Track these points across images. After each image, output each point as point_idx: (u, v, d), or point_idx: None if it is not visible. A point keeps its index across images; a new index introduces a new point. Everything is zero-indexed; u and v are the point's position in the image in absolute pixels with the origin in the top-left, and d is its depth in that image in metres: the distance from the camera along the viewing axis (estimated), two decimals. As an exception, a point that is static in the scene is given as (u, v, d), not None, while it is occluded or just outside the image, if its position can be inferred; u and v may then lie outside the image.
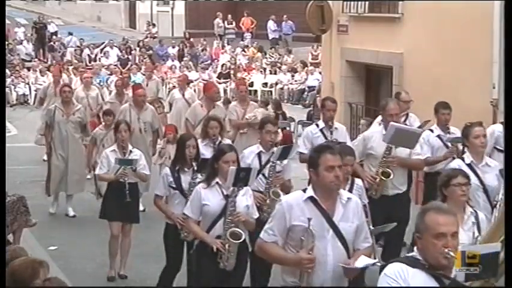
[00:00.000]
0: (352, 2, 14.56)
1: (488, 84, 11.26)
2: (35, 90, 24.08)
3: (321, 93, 17.05)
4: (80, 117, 12.34)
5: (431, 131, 9.74)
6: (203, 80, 28.00)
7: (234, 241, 6.58)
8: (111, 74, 27.26)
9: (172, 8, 37.54)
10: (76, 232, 11.32)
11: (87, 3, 43.23)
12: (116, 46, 31.13)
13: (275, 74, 27.83)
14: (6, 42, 29.02)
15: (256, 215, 6.98)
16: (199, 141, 8.87)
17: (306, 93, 25.71)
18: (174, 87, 23.19)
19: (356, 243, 5.43)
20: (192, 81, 27.74)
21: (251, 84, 27.35)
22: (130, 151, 9.40)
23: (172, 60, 29.69)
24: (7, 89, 23.90)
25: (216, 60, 30.26)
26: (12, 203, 9.04)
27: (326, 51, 15.94)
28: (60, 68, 18.38)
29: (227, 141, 9.62)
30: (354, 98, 15.03)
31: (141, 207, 11.40)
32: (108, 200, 9.41)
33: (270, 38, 32.27)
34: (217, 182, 6.80)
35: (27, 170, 15.34)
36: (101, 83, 24.37)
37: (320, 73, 21.11)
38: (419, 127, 10.01)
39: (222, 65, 29.09)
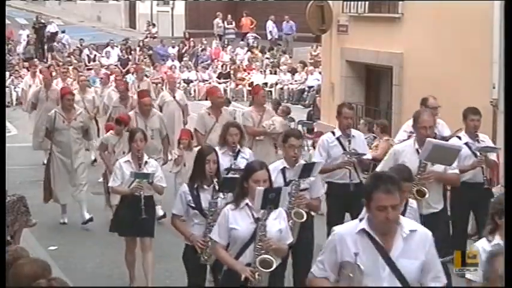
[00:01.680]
0: (352, 2, 14.57)
1: (488, 84, 11.27)
2: (15, 91, 23.99)
3: (321, 93, 17.08)
4: (82, 122, 11.90)
5: (459, 138, 9.16)
6: (203, 80, 28.05)
7: (265, 270, 5.95)
8: (111, 74, 27.25)
9: (172, 8, 37.52)
10: (76, 232, 11.32)
11: (87, 3, 43.22)
12: (116, 46, 31.13)
13: (275, 74, 27.83)
14: (7, 42, 29.02)
15: (290, 239, 6.32)
16: (217, 149, 8.30)
17: (306, 93, 25.70)
18: (161, 89, 23.30)
19: (423, 282, 4.77)
20: (191, 81, 27.79)
21: (251, 84, 27.36)
22: (146, 162, 8.78)
23: (172, 60, 29.68)
24: (7, 89, 23.88)
25: (216, 60, 30.24)
26: (12, 203, 9.01)
27: (326, 51, 15.96)
28: (50, 70, 18.14)
29: (247, 149, 9.22)
30: (354, 98, 15.03)
31: (161, 212, 11.32)
32: (120, 214, 8.88)
33: (269, 38, 32.25)
34: (246, 204, 6.12)
35: (27, 170, 15.33)
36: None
37: (320, 73, 21.10)
38: (451, 136, 9.50)
39: (222, 65, 29.09)
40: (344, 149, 9.00)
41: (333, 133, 9.23)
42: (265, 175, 6.15)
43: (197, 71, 28.46)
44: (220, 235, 6.16)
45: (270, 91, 26.86)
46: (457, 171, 8.20)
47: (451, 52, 12.20)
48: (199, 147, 7.75)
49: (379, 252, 4.67)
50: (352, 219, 8.49)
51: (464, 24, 11.89)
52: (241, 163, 8.82)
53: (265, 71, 27.94)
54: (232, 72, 28.28)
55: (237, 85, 27.66)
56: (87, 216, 11.59)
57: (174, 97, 14.93)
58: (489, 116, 11.28)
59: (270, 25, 32.34)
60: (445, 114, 12.15)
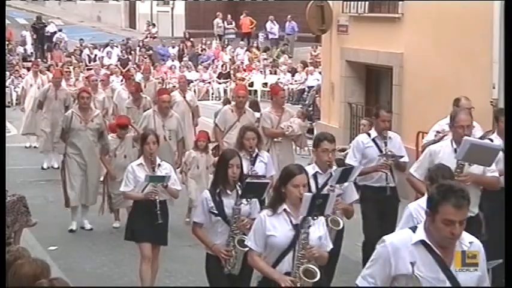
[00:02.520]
0: (352, 2, 14.56)
1: (488, 84, 11.26)
2: (15, 90, 23.73)
3: (321, 93, 17.08)
4: (99, 124, 11.53)
5: (491, 140, 8.57)
6: (203, 80, 28.05)
7: (309, 280, 5.63)
8: (111, 74, 27.27)
9: (172, 8, 37.53)
10: (76, 232, 11.32)
11: (87, 3, 43.23)
12: (116, 46, 31.15)
13: (275, 74, 27.84)
14: (7, 42, 29.02)
15: (330, 246, 6.01)
16: None
17: (306, 93, 25.71)
18: (172, 89, 23.12)
19: None
20: (191, 81, 27.79)
21: (251, 84, 27.38)
22: (159, 164, 8.46)
23: (173, 60, 29.70)
24: (7, 89, 23.87)
25: (216, 60, 30.25)
26: (12, 203, 9.01)
27: (326, 51, 15.94)
28: (61, 70, 18.00)
29: (265, 153, 9.05)
30: (354, 98, 15.03)
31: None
32: (135, 220, 8.49)
33: (269, 38, 32.27)
34: (284, 209, 5.79)
35: (27, 170, 15.33)
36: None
37: (320, 73, 21.10)
38: (481, 137, 9.03)
39: (222, 65, 29.10)
40: (380, 150, 8.73)
41: (369, 134, 8.99)
42: (304, 179, 5.83)
43: (197, 71, 28.47)
44: (257, 242, 5.83)
45: (270, 90, 26.86)
46: (497, 174, 7.72)
47: (451, 52, 12.19)
48: (221, 153, 7.36)
49: (439, 266, 4.37)
50: (386, 225, 8.28)
51: (464, 24, 11.88)
52: (259, 168, 8.77)
53: (265, 71, 27.95)
54: (232, 72, 28.28)
55: (237, 85, 27.64)
56: (87, 226, 11.44)
57: (184, 97, 14.72)
58: (489, 116, 11.27)
59: (269, 25, 32.36)
60: (445, 115, 12.16)
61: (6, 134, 16.20)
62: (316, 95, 20.90)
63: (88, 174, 11.46)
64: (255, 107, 18.79)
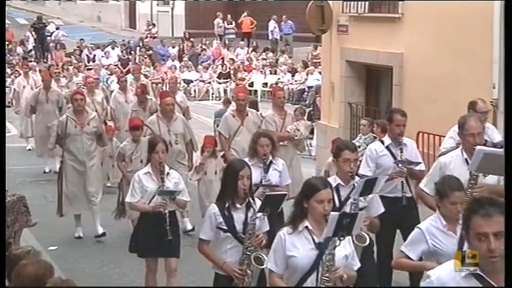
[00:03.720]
0: (352, 2, 14.55)
1: (488, 84, 11.26)
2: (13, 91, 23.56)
3: (321, 93, 17.07)
4: (95, 127, 11.13)
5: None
6: (203, 80, 28.06)
7: None
8: (111, 74, 27.30)
9: (172, 8, 37.54)
10: (75, 232, 11.31)
11: (87, 3, 43.23)
12: (116, 46, 31.16)
13: (275, 74, 27.84)
14: (7, 43, 29.05)
15: (357, 265, 5.53)
16: (246, 160, 7.76)
17: (306, 93, 25.71)
18: (161, 89, 23.06)
19: None
20: (191, 81, 27.80)
21: (251, 84, 27.39)
22: (168, 173, 7.95)
23: (173, 60, 29.70)
24: (7, 89, 23.85)
25: (216, 60, 30.26)
26: (12, 203, 9.00)
27: (326, 51, 15.94)
28: (50, 72, 17.77)
29: (279, 161, 8.50)
30: (354, 98, 15.02)
31: (189, 226, 10.97)
32: (141, 233, 8.00)
33: (270, 38, 32.27)
34: (306, 227, 5.33)
35: (27, 170, 15.34)
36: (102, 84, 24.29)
37: (320, 73, 21.11)
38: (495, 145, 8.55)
39: (222, 65, 29.10)
40: (395, 158, 8.21)
41: (382, 142, 8.43)
42: (329, 194, 5.37)
43: (197, 71, 28.47)
44: (277, 263, 5.38)
45: (270, 91, 26.86)
46: None
47: (451, 52, 12.19)
48: (229, 163, 6.90)
49: None
50: (404, 237, 7.64)
51: (464, 24, 11.87)
52: (273, 176, 8.32)
53: (265, 71, 27.95)
54: (232, 72, 28.28)
55: (237, 85, 27.64)
56: (100, 230, 10.98)
57: (174, 99, 14.31)
58: (489, 116, 11.28)
59: (272, 25, 32.35)
60: (445, 115, 12.16)
61: (6, 134, 16.18)
62: (316, 95, 20.90)
63: (86, 180, 11.03)
64: (254, 107, 18.82)
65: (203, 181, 11.02)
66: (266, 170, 8.23)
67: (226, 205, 6.25)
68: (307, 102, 24.59)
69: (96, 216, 11.04)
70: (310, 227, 5.32)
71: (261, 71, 28.06)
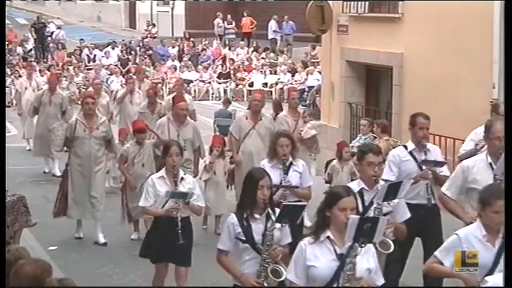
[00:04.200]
0: (352, 2, 14.56)
1: (488, 84, 11.26)
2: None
3: (321, 93, 17.08)
4: (105, 132, 10.80)
5: None
6: (203, 80, 28.05)
7: None
8: (111, 74, 27.31)
9: (172, 8, 37.54)
10: (75, 232, 11.31)
11: (87, 3, 43.23)
12: (116, 46, 31.15)
13: (275, 74, 27.84)
14: (7, 43, 29.04)
15: (380, 281, 5.31)
16: (265, 161, 7.81)
17: (306, 93, 25.71)
18: (161, 89, 22.93)
19: None
20: (191, 81, 27.79)
21: (251, 84, 27.40)
22: (182, 178, 7.74)
23: (173, 60, 29.71)
24: (7, 89, 23.85)
25: (216, 60, 30.27)
26: (12, 203, 9.00)
27: (326, 51, 15.94)
28: (56, 75, 17.63)
29: (300, 162, 8.17)
30: (354, 98, 15.03)
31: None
32: (154, 238, 7.83)
33: (270, 38, 32.27)
34: (328, 237, 5.14)
35: (27, 170, 15.33)
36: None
37: (320, 73, 21.12)
38: None
39: (222, 65, 29.10)
40: (419, 165, 7.84)
41: (405, 147, 8.06)
42: (353, 202, 5.18)
43: (197, 71, 28.47)
44: (297, 274, 5.20)
45: (270, 91, 26.89)
46: None
47: (451, 52, 12.20)
48: (248, 171, 6.63)
49: None
50: (425, 247, 7.55)
51: (464, 24, 11.88)
52: (293, 177, 8.03)
53: (265, 71, 27.95)
54: (232, 72, 28.28)
55: (237, 85, 27.67)
56: (101, 240, 10.74)
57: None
58: (489, 116, 11.27)
59: (273, 25, 32.34)
60: (445, 115, 12.17)
61: (6, 134, 16.18)
62: (316, 95, 20.91)
63: (92, 186, 10.74)
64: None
65: (212, 181, 11.02)
66: (286, 171, 7.96)
67: (245, 215, 6.04)
68: (307, 102, 24.60)
69: (98, 224, 10.83)
70: (332, 236, 5.12)
71: (261, 71, 28.05)
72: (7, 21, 30.81)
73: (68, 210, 10.78)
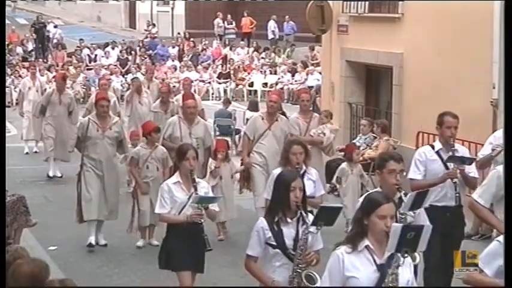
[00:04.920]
0: (352, 2, 14.56)
1: (488, 84, 11.26)
2: (15, 90, 22.60)
3: (321, 93, 17.07)
4: (117, 132, 10.58)
5: None
6: (203, 80, 28.04)
7: None
8: (111, 74, 27.29)
9: (172, 8, 37.56)
10: (76, 232, 11.31)
11: (87, 3, 43.23)
12: (116, 46, 31.15)
13: (275, 74, 27.83)
14: (7, 43, 29.03)
15: None
16: (278, 169, 7.44)
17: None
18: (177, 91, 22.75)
19: None
20: (192, 81, 27.78)
21: (251, 84, 27.40)
22: (197, 182, 7.42)
23: (173, 60, 29.71)
24: (7, 89, 23.85)
25: (216, 60, 30.27)
26: (12, 203, 9.02)
27: (326, 51, 15.94)
28: (64, 74, 17.40)
29: (313, 170, 7.95)
30: (354, 98, 15.03)
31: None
32: (173, 246, 7.34)
33: (270, 38, 32.27)
34: (366, 246, 4.87)
35: (27, 170, 15.33)
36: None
37: (320, 73, 21.11)
38: None
39: (222, 65, 29.11)
40: (446, 166, 7.55)
41: (432, 146, 7.82)
42: (392, 209, 4.92)
43: (197, 71, 28.47)
44: (333, 284, 4.94)
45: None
46: None
47: (451, 52, 12.19)
48: (279, 172, 6.45)
49: None
50: (444, 248, 7.08)
51: (464, 24, 11.88)
52: (307, 186, 7.44)
53: (265, 71, 27.95)
54: (232, 72, 28.28)
55: (237, 85, 27.67)
56: (102, 241, 10.58)
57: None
58: (489, 116, 11.28)
59: (272, 25, 32.34)
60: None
61: (6, 134, 16.17)
62: (316, 95, 20.89)
63: (106, 187, 10.48)
64: (255, 107, 18.84)
65: (219, 186, 10.70)
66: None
67: (276, 219, 5.80)
68: (307, 102, 24.57)
69: (100, 225, 10.61)
70: (371, 246, 4.86)
71: (261, 71, 28.04)
72: (8, 22, 30.83)
73: (84, 213, 10.44)
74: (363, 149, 12.98)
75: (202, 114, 13.56)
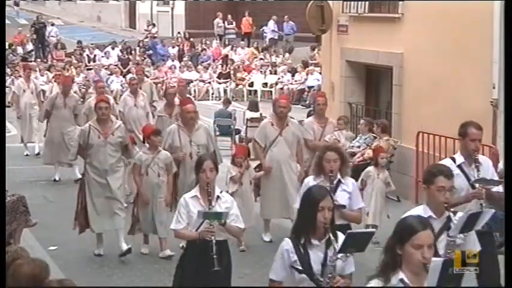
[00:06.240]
0: (352, 2, 14.56)
1: (488, 84, 11.26)
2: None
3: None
4: (121, 137, 10.08)
5: None
6: (203, 80, 28.04)
7: None
8: (111, 74, 27.31)
9: (172, 8, 37.56)
10: (76, 232, 11.30)
11: (87, 3, 43.24)
12: (116, 46, 31.16)
13: (275, 74, 27.84)
14: (7, 43, 29.03)
15: None
16: (310, 178, 7.13)
17: (306, 93, 25.72)
18: (161, 89, 22.60)
19: None
20: (191, 81, 27.78)
21: (251, 84, 27.40)
22: (218, 196, 6.84)
23: (172, 60, 29.71)
24: (7, 89, 23.84)
25: (216, 60, 30.28)
26: (12, 203, 9.03)
27: (326, 51, 15.93)
28: (71, 78, 17.04)
29: (349, 180, 7.34)
30: (353, 98, 15.02)
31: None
32: (187, 264, 6.94)
33: (269, 38, 32.27)
34: (401, 279, 4.32)
35: (27, 170, 15.33)
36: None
37: (320, 73, 21.11)
38: None
39: (222, 65, 29.12)
40: (468, 179, 6.98)
41: (453, 160, 7.14)
42: (430, 237, 4.34)
43: (197, 71, 28.48)
44: None
45: (270, 91, 26.90)
46: None
47: (451, 52, 12.19)
48: (307, 188, 5.97)
49: None
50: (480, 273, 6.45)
51: (464, 24, 11.87)
52: (341, 197, 7.16)
53: (265, 71, 27.96)
54: (232, 72, 28.29)
55: (237, 85, 27.68)
56: (124, 247, 10.01)
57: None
58: (489, 116, 11.28)
59: (272, 25, 32.34)
60: (445, 115, 12.16)
61: (6, 134, 16.18)
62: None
63: (111, 194, 10.05)
64: (255, 107, 18.85)
65: (239, 193, 10.14)
66: (333, 190, 6.99)
67: (302, 241, 5.28)
68: (307, 102, 24.60)
69: (120, 232, 10.13)
70: (406, 279, 4.30)
71: (260, 71, 28.05)
72: (8, 22, 30.82)
73: (91, 224, 10.07)
74: (363, 149, 12.98)
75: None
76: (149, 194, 10.02)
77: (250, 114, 18.30)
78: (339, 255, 5.17)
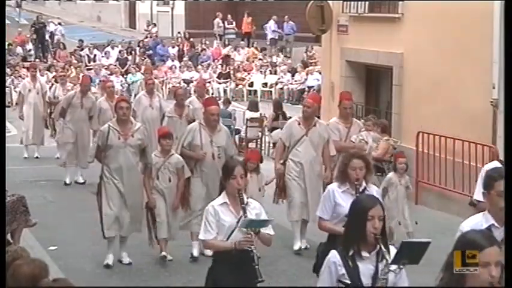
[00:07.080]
0: (352, 2, 14.56)
1: (488, 84, 11.26)
2: (15, 91, 22.28)
3: (321, 93, 17.06)
4: (140, 139, 9.65)
5: None
6: (201, 80, 28.05)
7: None
8: (111, 74, 27.31)
9: (172, 8, 37.57)
10: (76, 232, 11.31)
11: (87, 3, 43.26)
12: (116, 46, 31.17)
13: (275, 74, 27.85)
14: (7, 43, 29.05)
15: None
16: (335, 185, 6.94)
17: (306, 93, 25.71)
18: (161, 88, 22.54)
19: None
20: (192, 81, 27.80)
21: (251, 84, 27.41)
22: (246, 202, 6.39)
23: (172, 60, 29.72)
24: (7, 89, 23.85)
25: (216, 60, 30.29)
26: (12, 203, 9.03)
27: (326, 51, 15.93)
28: (89, 77, 16.59)
29: (373, 187, 7.13)
30: (354, 98, 14.95)
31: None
32: (221, 276, 6.36)
33: (269, 38, 32.28)
34: None
35: (27, 170, 15.34)
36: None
37: (320, 73, 21.11)
38: None
39: (222, 65, 29.13)
40: None
41: (501, 162, 6.87)
42: (497, 254, 4.00)
43: (197, 71, 28.50)
44: None
45: (270, 91, 26.92)
46: None
47: (451, 52, 12.19)
48: (355, 198, 5.79)
49: None
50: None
51: (464, 24, 11.88)
52: None
53: (265, 71, 27.97)
54: (232, 72, 28.30)
55: (237, 85, 27.68)
56: (126, 260, 9.82)
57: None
58: (489, 116, 11.28)
59: (272, 25, 32.35)
60: (445, 115, 12.17)
61: (6, 134, 16.18)
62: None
63: (128, 199, 9.65)
64: (254, 107, 18.86)
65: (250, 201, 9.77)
66: None
67: (351, 253, 4.92)
68: (307, 102, 24.58)
69: (124, 244, 9.90)
70: None
71: (260, 71, 28.06)
72: (8, 22, 30.83)
73: (104, 228, 9.65)
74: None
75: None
76: (158, 198, 9.74)
77: (250, 114, 18.32)
78: (392, 267, 4.83)
